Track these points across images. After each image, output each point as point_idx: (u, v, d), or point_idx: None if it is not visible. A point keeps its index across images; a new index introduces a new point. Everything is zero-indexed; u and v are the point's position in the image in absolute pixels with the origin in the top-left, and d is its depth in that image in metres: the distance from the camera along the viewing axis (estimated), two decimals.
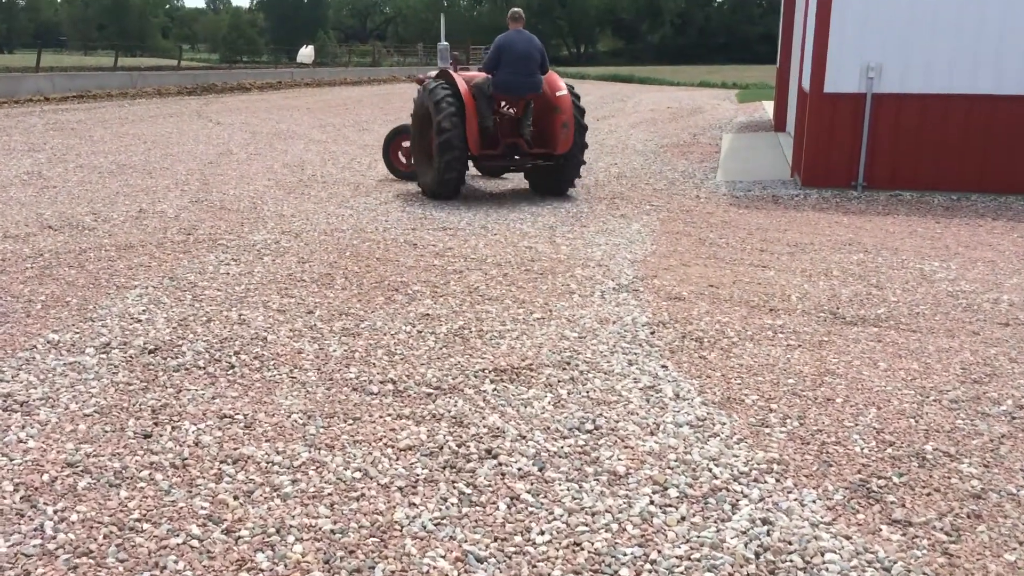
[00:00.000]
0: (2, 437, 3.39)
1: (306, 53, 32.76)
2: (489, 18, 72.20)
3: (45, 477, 3.07)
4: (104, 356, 4.31)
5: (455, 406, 3.75)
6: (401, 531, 2.79)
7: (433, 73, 10.57)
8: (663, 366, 4.25)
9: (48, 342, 4.49)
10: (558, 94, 8.92)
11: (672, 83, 38.03)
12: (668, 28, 76.50)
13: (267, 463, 3.23)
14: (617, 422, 3.59)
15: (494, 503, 2.96)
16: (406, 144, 10.14)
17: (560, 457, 3.28)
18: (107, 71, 29.85)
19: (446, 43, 11.36)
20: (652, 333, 4.74)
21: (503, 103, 9.07)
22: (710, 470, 3.17)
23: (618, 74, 43.45)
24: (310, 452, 3.32)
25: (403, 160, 10.31)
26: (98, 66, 36.12)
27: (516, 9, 9.07)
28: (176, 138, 14.24)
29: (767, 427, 3.54)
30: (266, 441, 3.40)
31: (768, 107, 20.34)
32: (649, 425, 3.56)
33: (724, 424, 3.56)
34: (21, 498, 2.94)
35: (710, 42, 72.65)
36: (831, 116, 9.46)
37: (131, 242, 6.83)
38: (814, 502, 2.95)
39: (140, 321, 4.86)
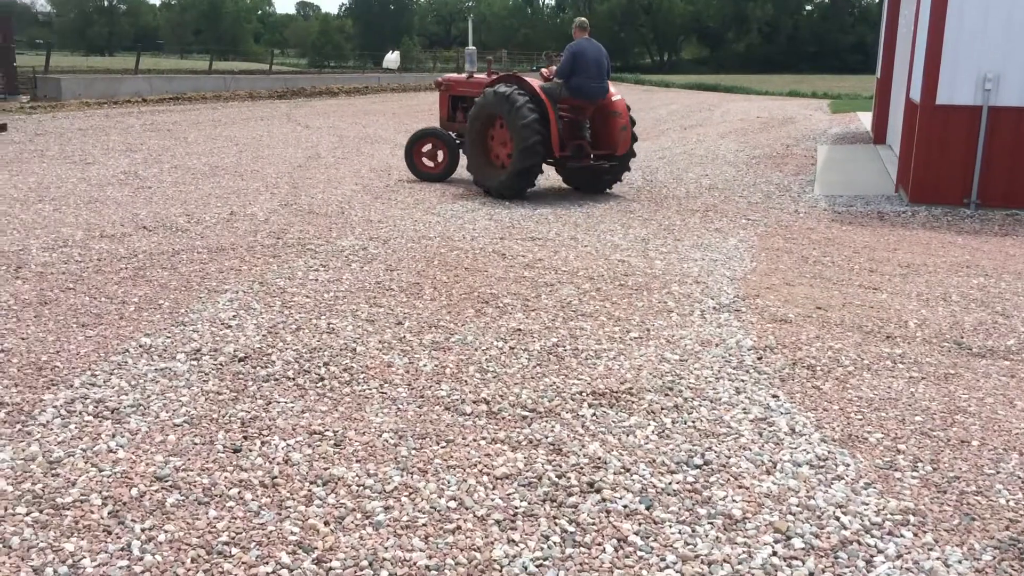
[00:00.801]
0: (92, 446, 3.33)
1: (392, 59, 33.01)
2: (571, 25, 71.99)
3: (134, 491, 2.98)
4: (195, 363, 4.24)
5: (552, 431, 3.54)
6: (501, 571, 2.58)
7: (456, 76, 10.79)
8: (774, 396, 3.95)
9: (140, 346, 4.46)
10: (614, 99, 9.51)
11: (759, 92, 36.99)
12: (755, 36, 74.85)
13: (358, 486, 3.07)
14: (728, 458, 3.32)
15: (599, 544, 2.73)
16: (427, 148, 10.63)
17: (668, 495, 3.03)
18: (202, 74, 30.77)
19: (473, 47, 11.44)
20: (759, 358, 4.44)
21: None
22: (837, 519, 2.87)
23: (703, 82, 42.53)
24: (402, 476, 3.15)
25: (425, 162, 10.69)
26: (193, 69, 37.28)
27: (582, 19, 9.82)
28: (266, 141, 14.45)
29: (897, 471, 3.22)
30: (356, 462, 3.25)
31: (864, 118, 19.54)
32: (764, 463, 3.28)
33: (848, 465, 3.25)
34: (109, 513, 2.85)
35: (799, 50, 70.78)
36: (943, 129, 8.91)
37: (222, 245, 6.85)
38: (960, 562, 2.63)
39: (230, 327, 4.80)
